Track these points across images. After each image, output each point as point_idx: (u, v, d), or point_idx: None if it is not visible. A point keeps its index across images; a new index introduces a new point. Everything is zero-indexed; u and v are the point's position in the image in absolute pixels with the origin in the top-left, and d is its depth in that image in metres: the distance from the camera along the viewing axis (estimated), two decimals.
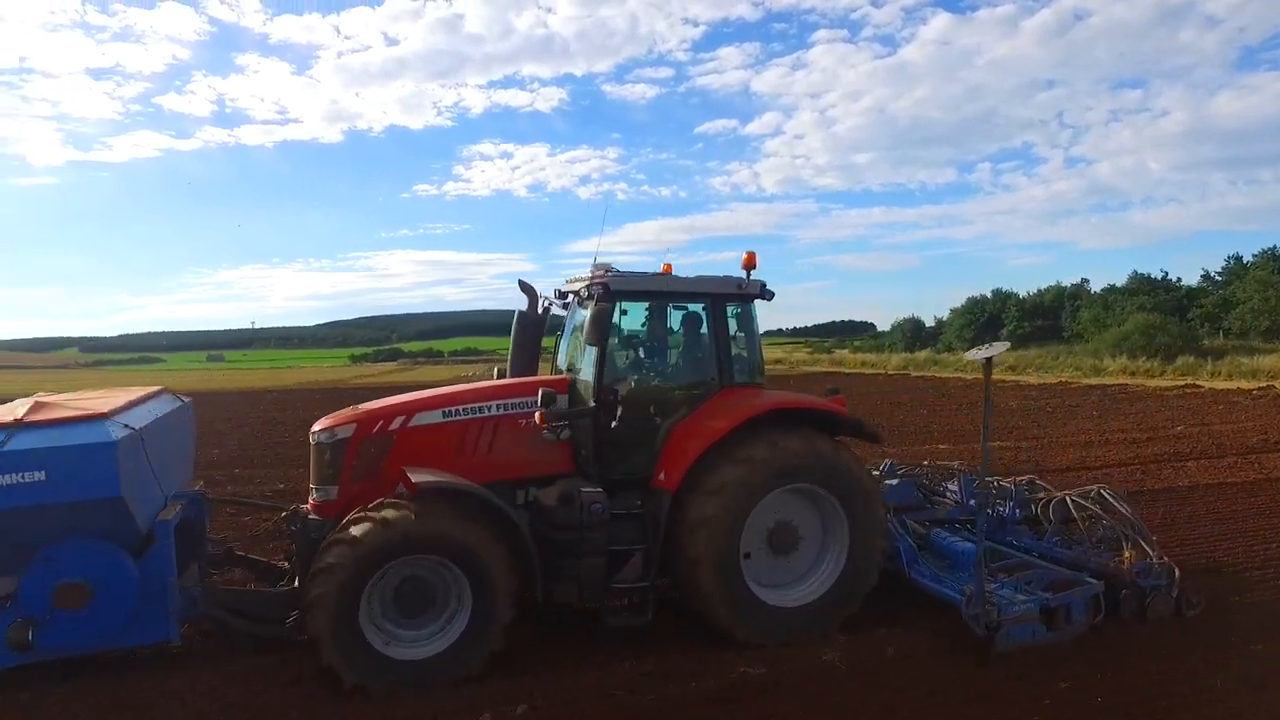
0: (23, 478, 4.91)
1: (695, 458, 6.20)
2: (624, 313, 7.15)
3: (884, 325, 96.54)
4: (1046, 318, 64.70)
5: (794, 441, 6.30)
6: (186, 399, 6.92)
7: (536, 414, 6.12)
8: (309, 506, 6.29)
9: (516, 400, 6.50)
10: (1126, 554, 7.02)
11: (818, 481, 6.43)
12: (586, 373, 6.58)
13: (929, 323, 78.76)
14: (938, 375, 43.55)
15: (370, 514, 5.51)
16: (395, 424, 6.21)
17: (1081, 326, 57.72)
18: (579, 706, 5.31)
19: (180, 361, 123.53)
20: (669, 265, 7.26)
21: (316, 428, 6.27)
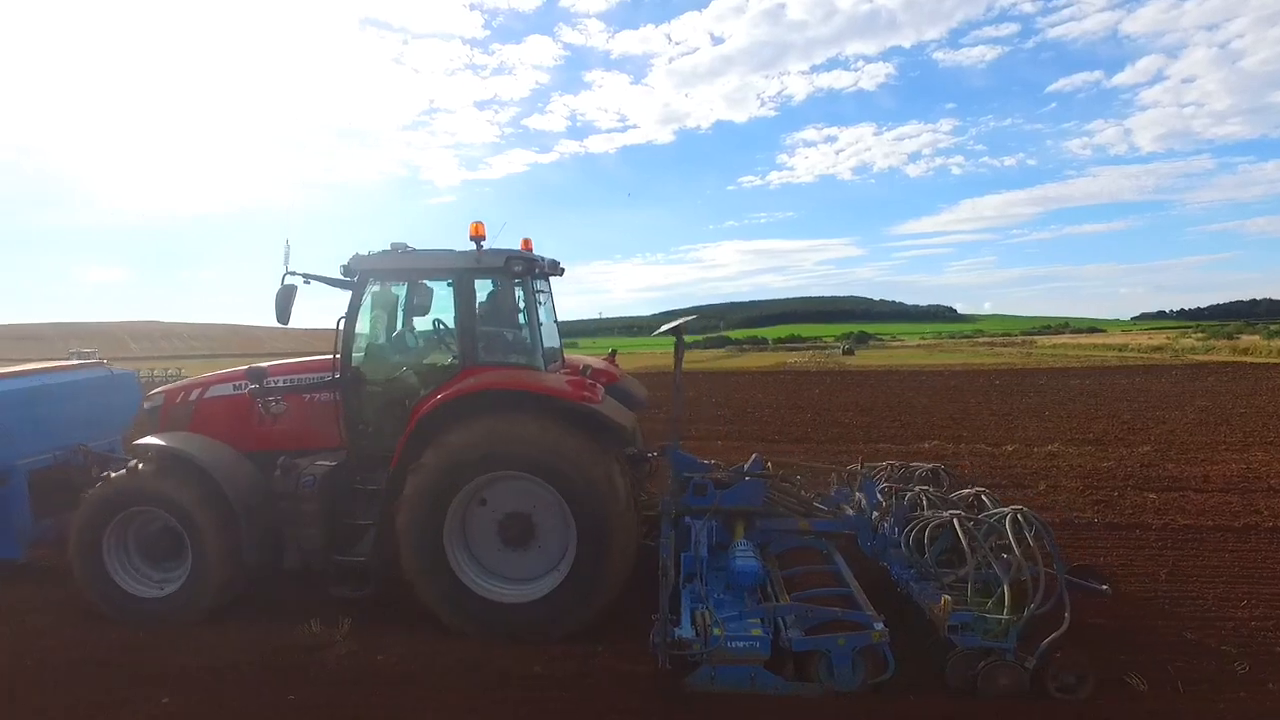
0: None
1: (406, 436, 6.08)
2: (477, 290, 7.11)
3: None
4: None
5: (462, 432, 5.88)
6: (125, 371, 8.49)
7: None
8: None
9: (304, 376, 6.90)
10: (944, 600, 5.18)
11: (529, 471, 5.88)
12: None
13: None
14: None
15: (119, 469, 6.46)
16: (193, 396, 7.03)
17: None
18: None
19: None
20: (528, 241, 7.06)
21: (146, 396, 7.34)
